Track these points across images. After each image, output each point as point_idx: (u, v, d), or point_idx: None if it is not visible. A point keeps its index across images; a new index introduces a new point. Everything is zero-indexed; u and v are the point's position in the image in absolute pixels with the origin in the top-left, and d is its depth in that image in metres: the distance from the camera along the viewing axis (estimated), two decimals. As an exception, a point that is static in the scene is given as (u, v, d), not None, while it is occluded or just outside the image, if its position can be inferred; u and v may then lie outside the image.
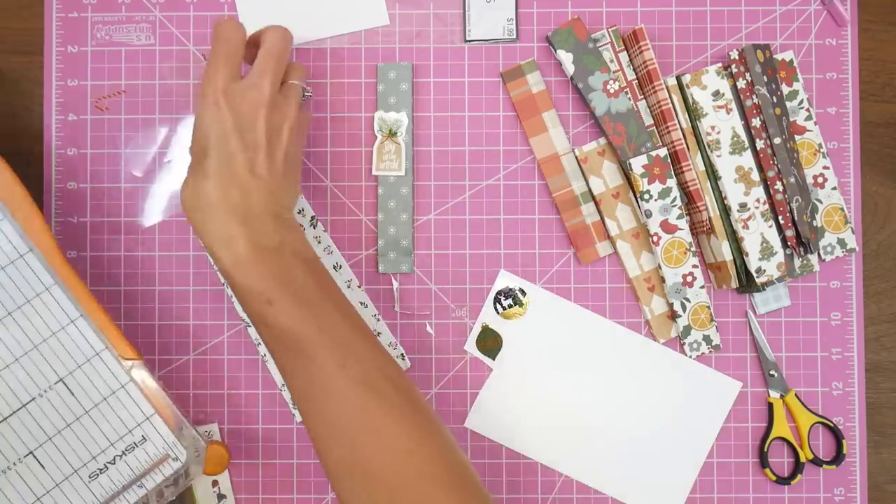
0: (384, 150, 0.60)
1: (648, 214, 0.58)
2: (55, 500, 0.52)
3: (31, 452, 0.52)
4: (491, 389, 0.60)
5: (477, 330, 0.61)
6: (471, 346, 0.61)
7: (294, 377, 0.48)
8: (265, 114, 0.50)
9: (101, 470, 0.52)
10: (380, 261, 0.60)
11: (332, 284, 0.51)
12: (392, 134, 0.60)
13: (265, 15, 0.61)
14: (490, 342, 0.60)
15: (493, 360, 0.61)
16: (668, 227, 0.59)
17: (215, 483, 0.60)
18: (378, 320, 0.60)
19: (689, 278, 0.59)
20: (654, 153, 0.58)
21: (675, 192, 0.58)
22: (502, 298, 0.60)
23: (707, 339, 0.60)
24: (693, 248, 0.59)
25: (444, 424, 0.50)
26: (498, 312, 0.60)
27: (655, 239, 0.59)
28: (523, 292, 0.60)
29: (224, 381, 0.61)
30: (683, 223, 0.59)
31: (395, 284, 0.60)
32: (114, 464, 0.52)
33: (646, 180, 0.58)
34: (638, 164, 0.58)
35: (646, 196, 0.58)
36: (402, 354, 0.60)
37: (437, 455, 0.47)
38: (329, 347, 0.47)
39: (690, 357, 0.60)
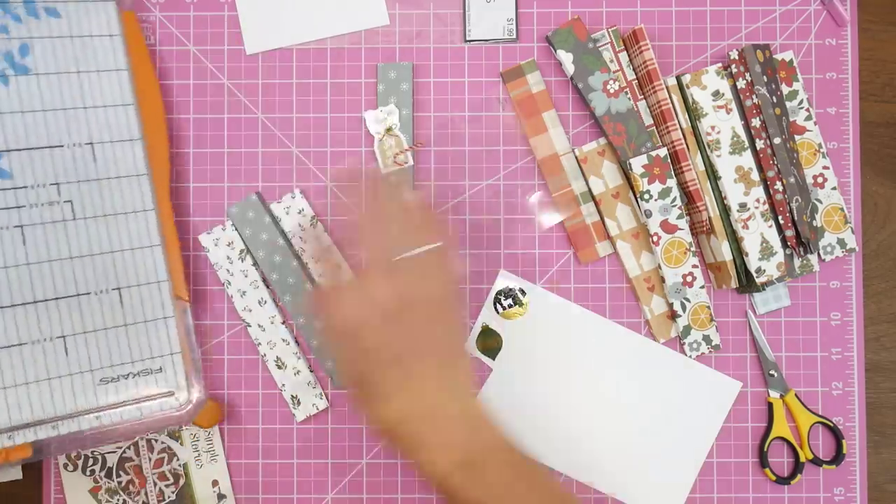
0: (385, 146, 0.60)
1: (648, 214, 0.58)
2: (62, 388, 0.54)
3: (62, 337, 0.55)
4: (491, 389, 0.61)
5: (477, 330, 0.61)
6: (471, 346, 0.61)
7: None
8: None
9: (113, 379, 0.55)
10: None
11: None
12: (388, 129, 0.60)
13: (265, 15, 0.61)
14: (490, 342, 0.61)
15: (493, 360, 0.61)
16: (668, 227, 0.59)
17: (215, 483, 0.60)
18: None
19: (688, 278, 0.59)
20: (654, 153, 0.58)
21: (675, 192, 0.58)
22: (502, 298, 0.60)
23: (707, 338, 0.60)
24: (693, 248, 0.59)
25: None
26: (498, 312, 0.60)
27: (655, 239, 0.59)
28: (523, 292, 0.60)
29: (224, 382, 0.61)
30: (683, 223, 0.59)
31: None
32: (126, 379, 0.55)
33: (646, 180, 0.58)
34: (638, 164, 0.58)
35: (646, 196, 0.58)
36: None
37: None
38: None
39: (690, 357, 0.60)
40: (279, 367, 0.60)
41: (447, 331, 0.47)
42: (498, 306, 0.61)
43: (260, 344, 0.60)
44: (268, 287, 0.60)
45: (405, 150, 0.59)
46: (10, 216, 0.55)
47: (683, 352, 0.60)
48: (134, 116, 0.57)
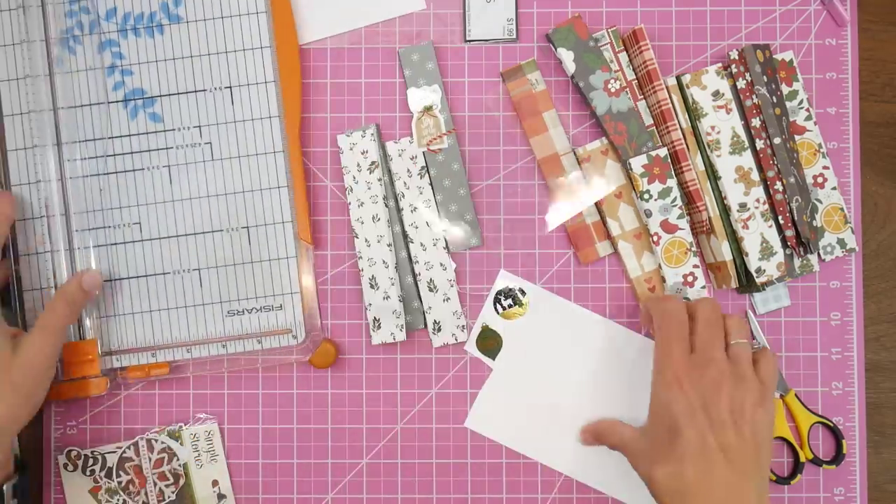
0: (423, 125, 0.60)
1: (648, 214, 0.58)
2: (196, 315, 0.60)
3: (198, 269, 0.60)
4: (491, 389, 0.61)
5: (477, 330, 0.61)
6: (471, 346, 0.61)
7: None
8: (728, 388, 0.50)
9: (238, 312, 0.60)
10: (448, 240, 0.60)
11: None
12: (428, 108, 0.60)
13: (299, 5, 0.61)
14: (490, 342, 0.61)
15: (493, 360, 0.61)
16: (668, 227, 0.59)
17: (215, 483, 0.60)
18: (452, 286, 0.60)
19: (689, 278, 0.59)
20: (654, 153, 0.58)
21: (676, 192, 0.58)
22: (502, 298, 0.60)
23: None
24: (694, 248, 0.59)
25: None
26: (498, 312, 0.60)
27: (656, 239, 0.59)
28: (523, 292, 0.60)
29: (224, 382, 0.61)
30: (684, 223, 0.58)
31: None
32: (250, 312, 0.60)
33: (646, 180, 0.58)
34: (638, 163, 0.58)
35: (645, 196, 0.58)
36: (462, 326, 0.60)
37: None
38: None
39: None
40: (371, 287, 0.59)
41: (727, 426, 0.49)
42: (498, 306, 0.61)
43: (361, 258, 0.60)
44: (386, 206, 0.60)
45: (441, 135, 0.59)
46: (160, 157, 0.60)
47: None
48: (270, 59, 0.60)
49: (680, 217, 0.58)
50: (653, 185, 0.58)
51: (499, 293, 0.61)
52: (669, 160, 0.58)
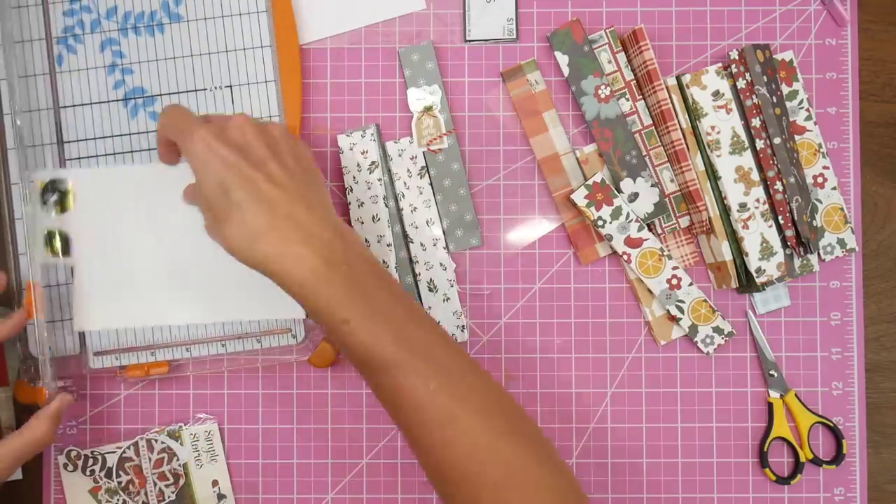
0: (423, 125, 0.60)
1: (610, 238, 0.58)
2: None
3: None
4: (82, 284, 0.56)
5: (40, 240, 0.55)
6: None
7: (384, 396, 0.48)
8: (252, 131, 0.48)
9: None
10: (448, 240, 0.60)
11: (402, 293, 0.49)
12: (428, 108, 0.60)
13: (299, 5, 0.61)
14: (56, 246, 0.56)
15: (68, 256, 0.56)
16: (633, 243, 0.59)
17: (215, 483, 0.60)
18: (452, 286, 0.60)
19: (674, 281, 0.59)
20: (590, 181, 0.58)
21: (626, 209, 0.58)
22: (49, 195, 0.55)
23: (718, 330, 0.60)
24: (667, 252, 0.59)
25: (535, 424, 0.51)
26: (52, 213, 0.56)
27: (626, 258, 0.59)
28: (63, 182, 0.56)
29: (224, 381, 0.61)
30: (646, 232, 0.59)
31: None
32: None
33: (593, 208, 0.58)
34: (580, 196, 0.58)
35: (599, 223, 0.58)
36: (462, 326, 0.60)
37: (533, 464, 0.47)
38: (410, 363, 0.46)
39: (707, 353, 0.60)
40: None
41: (270, 161, 0.48)
42: (46, 204, 0.56)
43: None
44: (386, 206, 0.60)
45: (441, 135, 0.59)
46: None
47: (699, 351, 0.60)
48: (270, 59, 0.60)
49: (641, 229, 0.58)
50: (602, 211, 0.58)
51: (43, 192, 0.55)
52: (608, 182, 0.58)
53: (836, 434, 0.60)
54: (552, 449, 0.49)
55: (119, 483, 0.60)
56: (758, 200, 0.58)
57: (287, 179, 0.48)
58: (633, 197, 0.59)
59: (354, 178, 0.60)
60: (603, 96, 0.60)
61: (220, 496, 0.60)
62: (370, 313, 0.46)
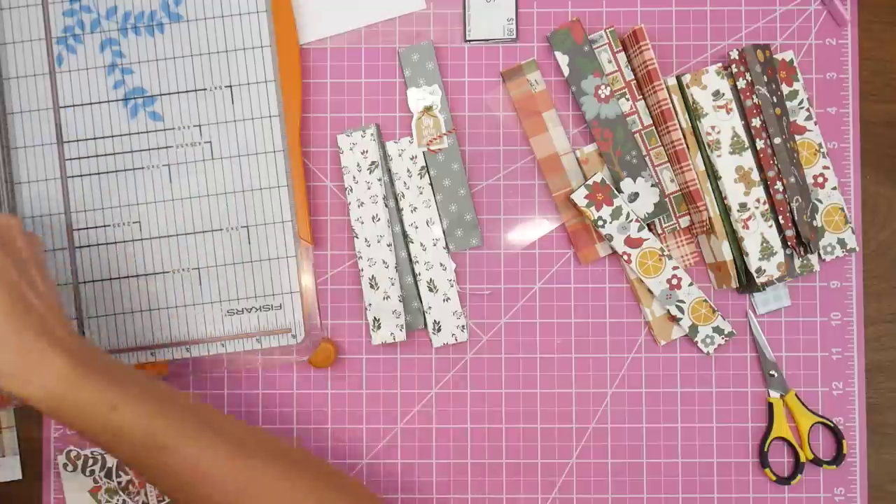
0: (423, 125, 0.60)
1: (610, 239, 0.58)
2: (195, 315, 0.60)
3: (198, 268, 0.60)
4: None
5: None
6: None
7: (162, 475, 0.47)
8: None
9: (238, 311, 0.60)
10: (448, 240, 0.60)
11: (154, 379, 0.49)
12: (428, 108, 0.60)
13: (299, 5, 0.61)
14: None
15: None
16: (633, 243, 0.59)
17: (215, 483, 0.60)
18: (452, 286, 0.60)
19: (674, 281, 0.59)
20: (590, 181, 0.58)
21: (626, 209, 0.58)
22: None
23: (718, 330, 0.60)
24: (667, 252, 0.59)
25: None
26: None
27: (626, 258, 0.59)
28: None
29: (224, 382, 0.61)
30: (646, 232, 0.59)
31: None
32: (249, 312, 0.60)
33: (593, 208, 0.58)
34: (580, 196, 0.58)
35: (600, 223, 0.58)
36: (462, 326, 0.60)
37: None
38: (180, 431, 0.46)
39: (707, 353, 0.60)
40: (371, 287, 0.59)
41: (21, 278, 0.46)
42: None
43: (360, 258, 0.60)
44: (386, 206, 0.60)
45: (441, 135, 0.59)
46: (160, 156, 0.60)
47: (700, 351, 0.60)
48: (270, 59, 0.60)
49: (641, 229, 0.58)
50: (602, 211, 0.58)
51: None
52: (608, 182, 0.58)
53: (837, 434, 0.60)
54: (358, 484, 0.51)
55: (119, 483, 0.60)
56: (758, 200, 0.58)
57: (40, 291, 0.47)
58: (633, 197, 0.59)
59: (354, 178, 0.60)
60: (603, 96, 0.60)
61: (220, 496, 0.60)
62: (138, 393, 0.46)
